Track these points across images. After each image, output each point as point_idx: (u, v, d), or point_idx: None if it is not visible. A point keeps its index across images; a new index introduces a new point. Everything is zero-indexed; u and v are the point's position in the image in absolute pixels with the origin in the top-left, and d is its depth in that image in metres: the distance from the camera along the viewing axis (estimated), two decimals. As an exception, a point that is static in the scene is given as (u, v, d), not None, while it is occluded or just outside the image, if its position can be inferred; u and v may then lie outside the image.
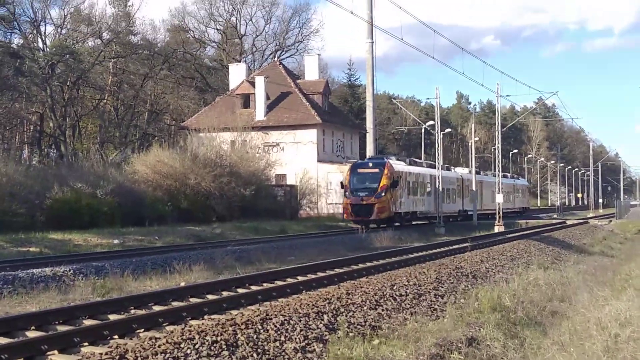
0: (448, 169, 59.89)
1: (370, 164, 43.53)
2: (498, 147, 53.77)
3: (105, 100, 67.95)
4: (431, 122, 68.38)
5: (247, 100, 63.18)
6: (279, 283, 17.62)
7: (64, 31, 64.51)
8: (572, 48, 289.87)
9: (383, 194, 41.77)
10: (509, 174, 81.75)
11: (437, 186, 51.18)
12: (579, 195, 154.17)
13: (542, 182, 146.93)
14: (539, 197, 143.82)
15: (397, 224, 44.58)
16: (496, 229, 46.63)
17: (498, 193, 51.42)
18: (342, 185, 43.74)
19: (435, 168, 52.16)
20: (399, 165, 46.10)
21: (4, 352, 9.35)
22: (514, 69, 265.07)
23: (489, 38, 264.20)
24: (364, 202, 41.58)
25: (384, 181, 41.98)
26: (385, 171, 42.32)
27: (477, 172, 64.45)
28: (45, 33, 64.87)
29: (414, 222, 48.82)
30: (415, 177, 48.36)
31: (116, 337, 11.09)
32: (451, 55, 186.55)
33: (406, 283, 16.96)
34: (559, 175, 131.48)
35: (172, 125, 75.21)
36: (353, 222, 42.84)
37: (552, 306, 16.66)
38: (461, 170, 64.20)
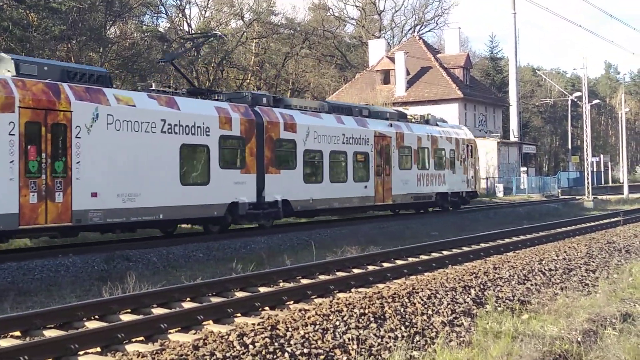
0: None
1: None
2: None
3: (248, 80, 69.32)
4: (578, 94, 66.16)
5: (387, 76, 63.02)
6: (424, 257, 17.61)
7: (207, 13, 66.30)
8: None
9: None
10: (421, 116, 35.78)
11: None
12: None
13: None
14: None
15: None
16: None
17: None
18: None
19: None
20: None
21: (163, 322, 9.79)
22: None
23: None
24: None
25: None
26: None
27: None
28: (190, 16, 66.95)
29: None
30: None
31: (267, 308, 11.40)
32: (599, 23, 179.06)
33: (555, 257, 16.53)
34: None
35: (314, 103, 76.14)
36: None
37: None
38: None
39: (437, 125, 34.10)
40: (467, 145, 35.80)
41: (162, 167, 19.83)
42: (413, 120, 33.12)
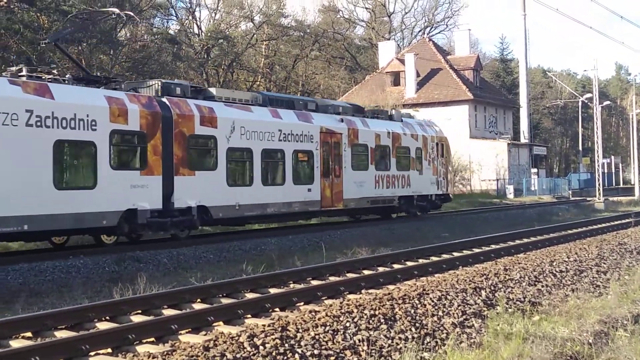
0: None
1: None
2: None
3: (258, 82, 69.42)
4: (588, 95, 65.99)
5: (397, 78, 63.01)
6: (434, 259, 17.59)
7: (217, 16, 66.45)
8: None
9: None
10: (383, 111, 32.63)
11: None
12: None
13: None
14: None
15: None
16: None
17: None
18: None
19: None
20: None
21: (174, 323, 9.80)
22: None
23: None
24: None
25: None
26: None
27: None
28: (200, 19, 67.11)
29: None
30: None
31: (277, 309, 11.41)
32: (610, 24, 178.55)
33: (566, 259, 16.49)
34: None
35: (324, 105, 76.10)
36: None
37: None
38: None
39: (401, 121, 30.70)
40: (437, 144, 32.29)
41: (28, 167, 16.32)
42: (372, 116, 29.63)
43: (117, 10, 25.03)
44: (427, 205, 31.64)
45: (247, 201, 21.95)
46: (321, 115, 25.85)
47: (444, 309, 11.06)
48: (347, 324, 9.72)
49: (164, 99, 20.10)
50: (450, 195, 34.12)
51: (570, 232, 24.61)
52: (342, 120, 26.51)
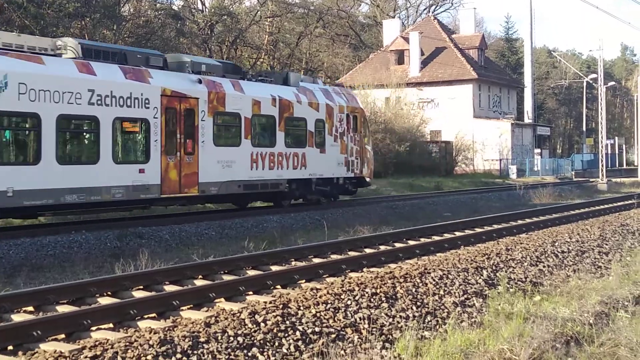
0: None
1: None
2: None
3: (262, 59, 69.18)
4: (593, 75, 65.74)
5: (401, 57, 62.74)
6: (436, 238, 17.57)
7: (222, -8, 66.13)
8: None
9: None
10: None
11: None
12: None
13: None
14: None
15: None
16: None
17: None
18: None
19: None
20: None
21: (175, 299, 9.82)
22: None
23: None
24: None
25: None
26: None
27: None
28: (204, -6, 66.82)
29: None
30: None
31: (279, 287, 11.42)
32: (616, 4, 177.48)
33: (568, 240, 16.50)
34: None
35: (327, 82, 75.81)
36: None
37: None
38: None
39: (298, 85, 24.68)
40: (349, 115, 26.25)
41: None
42: (256, 78, 23.61)
43: None
44: (333, 190, 25.93)
45: (29, 186, 16.15)
46: (166, 73, 20.04)
47: (445, 288, 11.08)
48: (349, 302, 9.74)
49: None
50: (367, 178, 27.62)
51: (572, 212, 24.58)
52: (200, 82, 20.61)
